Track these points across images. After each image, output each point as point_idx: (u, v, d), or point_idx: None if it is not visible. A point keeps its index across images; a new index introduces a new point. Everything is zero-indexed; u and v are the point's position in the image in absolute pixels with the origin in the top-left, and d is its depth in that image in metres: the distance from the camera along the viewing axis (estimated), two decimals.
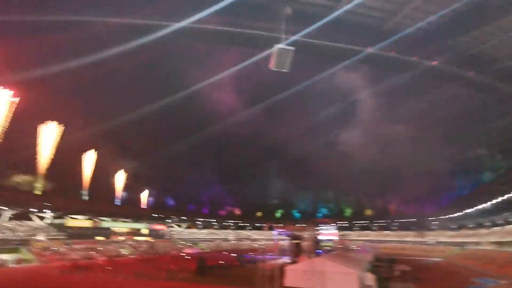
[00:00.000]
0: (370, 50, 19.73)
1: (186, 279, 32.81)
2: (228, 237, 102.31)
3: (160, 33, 17.95)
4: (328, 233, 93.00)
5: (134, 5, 17.53)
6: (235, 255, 53.61)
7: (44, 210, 62.40)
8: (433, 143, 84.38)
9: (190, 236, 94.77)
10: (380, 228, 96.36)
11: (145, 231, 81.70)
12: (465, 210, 63.62)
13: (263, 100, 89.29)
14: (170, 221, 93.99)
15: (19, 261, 46.21)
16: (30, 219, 60.39)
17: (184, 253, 72.89)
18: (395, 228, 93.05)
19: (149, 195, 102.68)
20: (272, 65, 15.33)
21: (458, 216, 68.70)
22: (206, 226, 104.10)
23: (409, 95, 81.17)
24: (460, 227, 71.30)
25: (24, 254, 48.89)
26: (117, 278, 32.13)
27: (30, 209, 59.92)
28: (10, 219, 56.15)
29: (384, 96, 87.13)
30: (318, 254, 34.11)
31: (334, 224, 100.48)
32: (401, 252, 72.01)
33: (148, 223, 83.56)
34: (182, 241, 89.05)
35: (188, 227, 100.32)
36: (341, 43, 18.77)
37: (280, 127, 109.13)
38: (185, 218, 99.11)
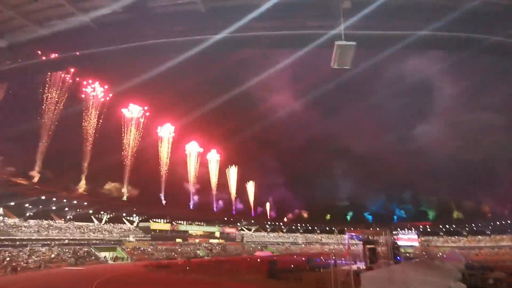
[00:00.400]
0: (438, 32, 17.38)
1: (258, 282, 33.41)
2: (297, 240, 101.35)
3: (216, 44, 18.71)
4: (407, 238, 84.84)
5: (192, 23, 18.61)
6: (305, 259, 52.63)
7: (133, 215, 71.07)
8: None
9: (259, 239, 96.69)
10: (471, 233, 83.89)
11: (217, 234, 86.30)
12: None
13: (327, 100, 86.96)
14: (239, 224, 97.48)
15: (115, 259, 53.40)
16: (122, 222, 69.32)
17: (255, 256, 74.75)
18: (488, 232, 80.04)
19: (220, 199, 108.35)
20: (333, 64, 14.62)
21: None
22: (275, 229, 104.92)
23: (497, 78, 69.62)
24: None
25: (119, 252, 56.34)
26: (194, 277, 34.56)
27: (121, 213, 68.85)
28: (105, 222, 65.31)
29: (465, 80, 76.53)
30: (397, 261, 31.23)
31: (414, 228, 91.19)
32: (496, 258, 61.72)
33: (219, 226, 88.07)
34: (252, 244, 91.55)
35: (257, 230, 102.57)
36: (404, 29, 16.96)
37: (348, 125, 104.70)
38: (254, 221, 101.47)
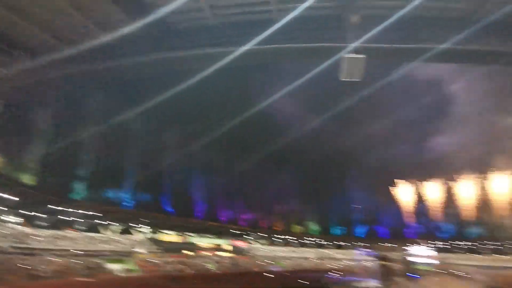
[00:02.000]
0: (447, 45, 17.26)
1: None
2: (307, 255, 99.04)
3: (229, 58, 19.13)
4: (424, 255, 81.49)
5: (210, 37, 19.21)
6: (317, 274, 51.24)
7: (140, 225, 71.43)
8: None
9: (270, 254, 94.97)
10: (493, 251, 79.97)
11: (227, 247, 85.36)
12: None
13: (338, 111, 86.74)
14: (248, 237, 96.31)
15: (126, 271, 53.40)
16: (131, 233, 69.63)
17: (265, 270, 73.24)
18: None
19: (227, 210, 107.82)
20: (341, 76, 14.68)
21: None
22: (287, 243, 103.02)
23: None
24: None
25: (130, 264, 56.38)
26: None
27: (130, 224, 69.26)
28: (117, 233, 65.80)
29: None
30: (411, 279, 29.97)
31: (431, 245, 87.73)
32: None
33: (228, 239, 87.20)
34: (262, 258, 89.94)
35: (268, 244, 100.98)
36: (414, 42, 16.95)
37: (361, 137, 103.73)
38: (262, 234, 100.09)
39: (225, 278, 49.17)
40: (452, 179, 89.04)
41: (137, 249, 62.29)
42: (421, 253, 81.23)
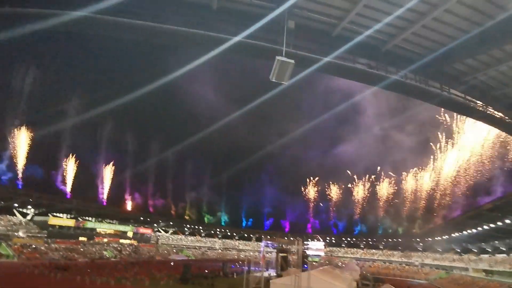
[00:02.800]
0: (368, 69, 19.94)
1: (168, 287, 32.01)
2: (214, 245, 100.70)
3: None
4: (315, 248, 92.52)
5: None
6: (221, 264, 52.63)
7: (27, 206, 60.80)
8: None
9: (176, 242, 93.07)
10: (368, 246, 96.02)
11: (130, 234, 79.94)
12: (452, 233, 63.97)
13: (260, 110, 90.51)
14: (156, 225, 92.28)
15: None
16: (13, 214, 58.71)
17: (169, 259, 71.38)
18: (381, 247, 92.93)
19: (136, 197, 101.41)
20: (271, 77, 15.36)
21: (446, 239, 69.05)
22: (193, 233, 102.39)
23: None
24: (446, 251, 71.48)
25: (3, 249, 47.34)
26: (95, 282, 31.16)
27: (13, 204, 58.21)
28: None
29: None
30: (304, 269, 33.63)
31: (322, 240, 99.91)
32: (387, 271, 71.75)
33: (134, 226, 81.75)
34: (168, 246, 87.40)
35: (175, 233, 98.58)
36: (339, 59, 19.01)
37: (275, 135, 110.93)
38: (172, 223, 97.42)
39: (122, 267, 46.07)
40: (349, 182, 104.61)
41: (15, 233, 52.76)
42: (314, 247, 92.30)
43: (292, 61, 14.44)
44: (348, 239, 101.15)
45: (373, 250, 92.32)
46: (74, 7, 15.58)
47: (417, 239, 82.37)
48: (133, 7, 16.30)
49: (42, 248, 54.31)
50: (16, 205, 58.67)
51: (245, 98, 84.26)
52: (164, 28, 16.86)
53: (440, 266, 67.71)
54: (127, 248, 72.84)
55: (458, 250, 67.78)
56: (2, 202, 55.96)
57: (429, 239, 76.91)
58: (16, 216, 59.11)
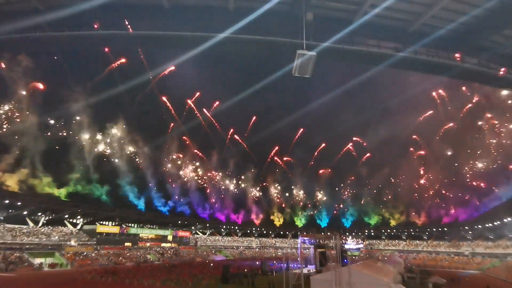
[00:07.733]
0: (397, 53, 19.01)
1: (211, 286, 32.84)
2: (251, 244, 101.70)
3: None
4: (354, 242, 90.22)
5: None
6: (259, 263, 53.02)
7: (77, 216, 65.43)
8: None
9: (214, 243, 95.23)
10: (410, 237, 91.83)
11: (170, 237, 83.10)
12: (504, 219, 59.13)
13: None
14: (193, 228, 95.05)
15: (52, 265, 48.58)
16: (64, 225, 63.40)
17: (208, 260, 73.28)
18: (425, 237, 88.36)
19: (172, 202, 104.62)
20: (294, 71, 15.15)
21: (496, 225, 64.05)
22: (229, 233, 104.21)
23: None
24: (499, 237, 66.31)
25: (58, 258, 51.35)
26: (143, 284, 32.79)
27: (63, 215, 62.90)
28: (43, 224, 59.23)
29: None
30: (344, 264, 32.93)
31: (360, 233, 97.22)
32: (433, 263, 68.02)
33: (172, 230, 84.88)
34: (206, 248, 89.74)
35: (211, 234, 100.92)
36: (367, 47, 18.28)
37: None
38: (208, 225, 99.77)
39: (165, 269, 48.00)
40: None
41: (67, 242, 56.98)
42: (352, 241, 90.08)
43: (314, 53, 14.14)
44: (389, 230, 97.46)
45: (417, 241, 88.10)
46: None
47: (465, 227, 77.28)
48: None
49: (93, 254, 58.15)
50: (66, 216, 63.39)
51: None
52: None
53: (493, 254, 62.94)
54: (169, 251, 75.86)
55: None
56: (54, 215, 60.70)
57: (478, 226, 71.82)
58: (67, 226, 63.83)
